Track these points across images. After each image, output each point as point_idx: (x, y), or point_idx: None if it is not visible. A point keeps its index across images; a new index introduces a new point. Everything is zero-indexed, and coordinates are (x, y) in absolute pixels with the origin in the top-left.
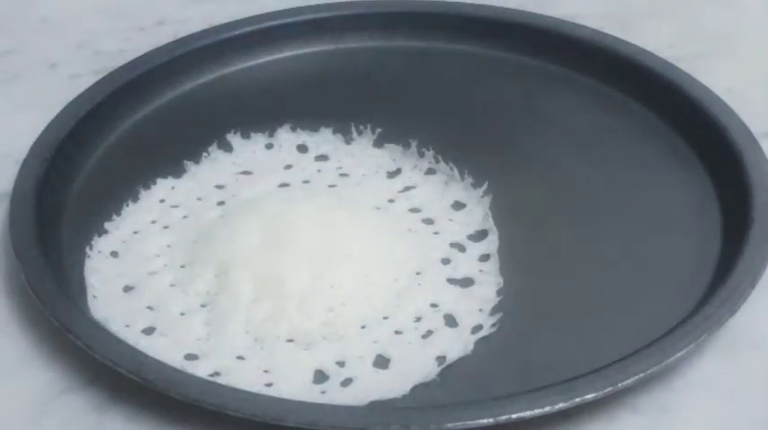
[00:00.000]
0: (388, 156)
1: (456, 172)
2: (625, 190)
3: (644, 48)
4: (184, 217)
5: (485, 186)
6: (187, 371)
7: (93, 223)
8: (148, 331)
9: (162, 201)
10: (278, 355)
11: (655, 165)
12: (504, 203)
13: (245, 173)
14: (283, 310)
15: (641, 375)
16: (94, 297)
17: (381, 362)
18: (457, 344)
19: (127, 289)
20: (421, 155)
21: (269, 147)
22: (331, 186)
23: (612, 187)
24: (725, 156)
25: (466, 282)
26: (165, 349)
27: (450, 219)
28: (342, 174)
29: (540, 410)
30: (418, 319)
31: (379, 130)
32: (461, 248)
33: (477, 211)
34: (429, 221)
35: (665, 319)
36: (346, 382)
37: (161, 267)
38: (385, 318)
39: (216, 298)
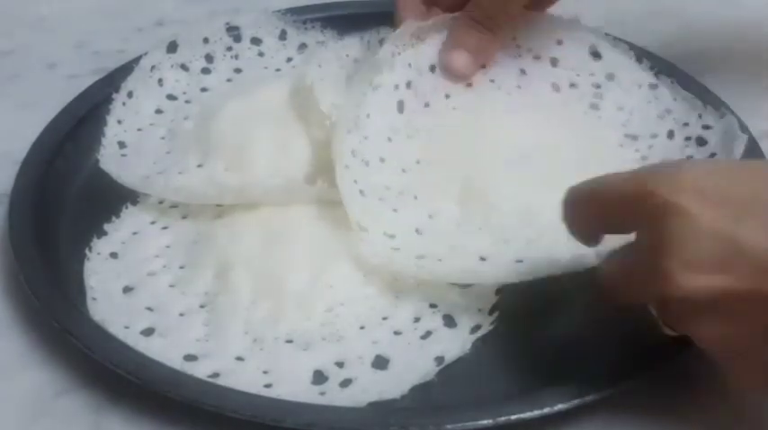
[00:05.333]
0: None
1: None
2: None
3: (644, 48)
4: (183, 217)
5: None
6: (186, 373)
7: (92, 225)
8: (148, 332)
9: (161, 202)
10: (277, 356)
11: None
12: None
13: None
14: (282, 311)
15: (641, 376)
16: (94, 298)
17: (380, 362)
18: (456, 345)
19: (126, 290)
20: None
21: None
22: None
23: None
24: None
25: None
26: (165, 350)
27: None
28: None
29: (540, 411)
30: (417, 320)
31: None
32: None
33: None
34: None
35: None
36: (345, 383)
37: (160, 268)
38: (384, 318)
39: (215, 298)
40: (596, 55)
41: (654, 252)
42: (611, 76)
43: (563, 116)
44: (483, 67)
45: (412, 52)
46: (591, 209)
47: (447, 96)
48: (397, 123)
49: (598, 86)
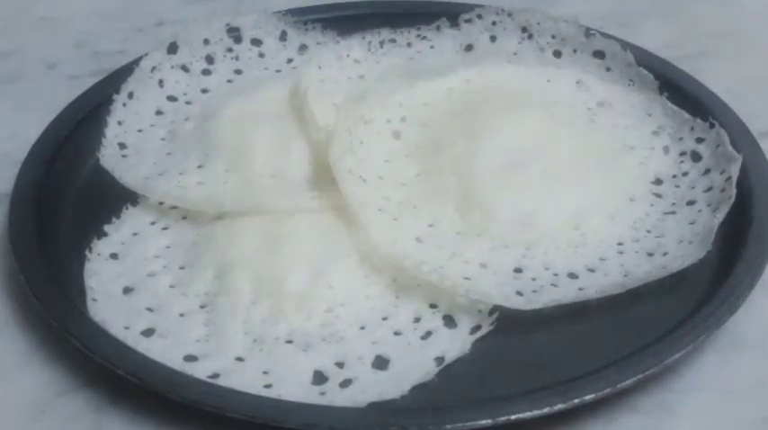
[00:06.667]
0: None
1: None
2: None
3: (644, 47)
4: (183, 218)
5: None
6: (186, 373)
7: (92, 225)
8: (148, 333)
9: (161, 203)
10: (277, 356)
11: None
12: None
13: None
14: (282, 311)
15: (640, 376)
16: (94, 299)
17: (380, 362)
18: (455, 345)
19: (126, 290)
20: None
21: None
22: None
23: None
24: None
25: None
26: (165, 350)
27: None
28: None
29: (539, 411)
30: (417, 320)
31: None
32: None
33: None
34: None
35: (665, 320)
36: (345, 383)
37: (160, 268)
38: (384, 318)
39: (215, 299)
40: (584, 88)
41: None
42: (602, 103)
43: (562, 117)
44: None
45: (404, 93)
46: None
47: (444, 113)
48: (394, 147)
49: (590, 109)
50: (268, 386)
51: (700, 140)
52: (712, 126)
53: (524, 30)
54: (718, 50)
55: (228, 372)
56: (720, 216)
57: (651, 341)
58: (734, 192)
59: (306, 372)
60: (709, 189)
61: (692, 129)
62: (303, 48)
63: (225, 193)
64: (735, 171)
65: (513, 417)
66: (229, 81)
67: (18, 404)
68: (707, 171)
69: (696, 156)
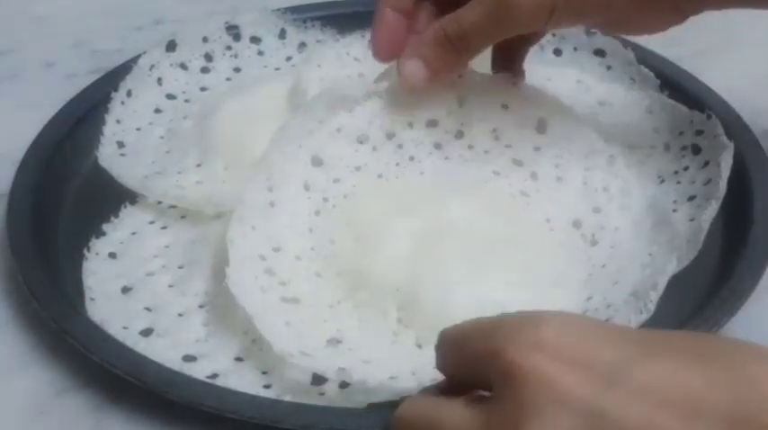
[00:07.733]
0: None
1: None
2: None
3: (644, 46)
4: (182, 217)
5: None
6: (185, 373)
7: (90, 224)
8: (146, 332)
9: (160, 202)
10: (276, 357)
11: None
12: None
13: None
14: None
15: None
16: (92, 299)
17: None
18: None
19: (125, 290)
20: None
21: None
22: None
23: None
24: None
25: None
26: (164, 350)
27: None
28: None
29: None
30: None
31: None
32: None
33: None
34: None
35: (665, 320)
36: (344, 384)
37: (159, 268)
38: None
39: (214, 299)
40: (585, 88)
41: (508, 419)
42: (602, 102)
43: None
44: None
45: None
46: (455, 360)
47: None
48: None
49: (591, 107)
50: (267, 386)
51: (699, 132)
52: (709, 117)
53: None
54: (719, 50)
55: (227, 373)
56: (715, 207)
57: None
58: (725, 182)
59: (305, 373)
60: (708, 182)
61: (692, 122)
62: (302, 46)
63: (224, 192)
64: (727, 158)
65: None
66: (228, 79)
67: (18, 404)
68: (705, 163)
69: (696, 149)
